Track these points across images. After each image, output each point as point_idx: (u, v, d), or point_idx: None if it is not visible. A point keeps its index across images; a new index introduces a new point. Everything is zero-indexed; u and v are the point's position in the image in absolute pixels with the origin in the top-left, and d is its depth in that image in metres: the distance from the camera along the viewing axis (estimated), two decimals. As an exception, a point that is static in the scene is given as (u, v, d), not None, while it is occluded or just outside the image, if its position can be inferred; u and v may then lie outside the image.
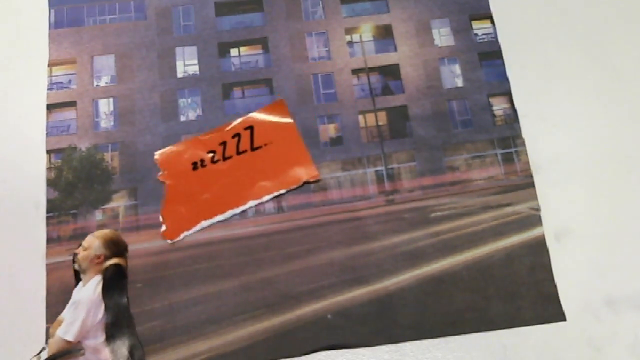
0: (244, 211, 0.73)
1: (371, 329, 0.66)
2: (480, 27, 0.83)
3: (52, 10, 0.83)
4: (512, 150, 0.76)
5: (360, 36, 0.83)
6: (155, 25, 0.84)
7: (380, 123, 0.79)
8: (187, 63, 0.82)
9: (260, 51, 0.83)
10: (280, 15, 0.84)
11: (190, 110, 0.79)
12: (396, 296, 0.68)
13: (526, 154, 0.75)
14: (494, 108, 0.79)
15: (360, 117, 0.79)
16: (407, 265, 0.70)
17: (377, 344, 0.66)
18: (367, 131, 0.79)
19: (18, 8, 0.83)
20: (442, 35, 0.83)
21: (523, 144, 0.76)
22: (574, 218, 0.71)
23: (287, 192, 0.73)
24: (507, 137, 0.77)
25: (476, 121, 0.78)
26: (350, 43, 0.83)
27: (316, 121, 0.79)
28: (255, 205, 0.73)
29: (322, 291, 0.68)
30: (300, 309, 0.67)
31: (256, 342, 0.66)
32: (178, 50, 0.82)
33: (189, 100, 0.80)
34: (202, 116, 0.79)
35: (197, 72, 0.81)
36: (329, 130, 0.79)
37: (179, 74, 0.81)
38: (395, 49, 0.83)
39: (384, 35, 0.84)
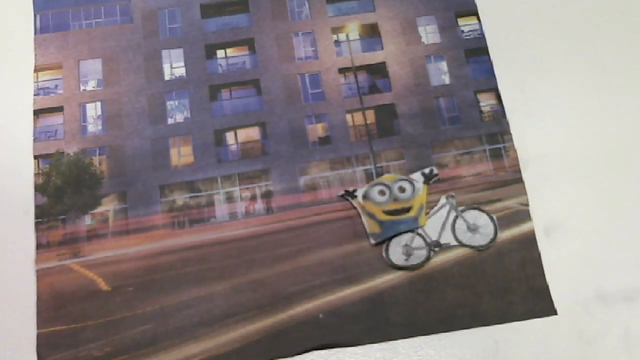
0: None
1: (363, 328, 0.66)
2: (466, 24, 0.83)
3: (38, 15, 0.83)
4: (501, 146, 0.76)
5: (347, 35, 0.83)
6: (141, 29, 0.83)
7: (368, 121, 0.79)
8: (173, 65, 0.82)
9: (247, 52, 0.83)
10: (266, 15, 0.84)
11: (178, 112, 0.79)
12: (387, 294, 0.68)
13: (514, 150, 0.75)
14: (482, 104, 0.79)
15: (348, 116, 0.79)
16: (397, 263, 0.70)
17: (370, 343, 0.66)
18: (356, 130, 0.79)
19: (2, 13, 0.83)
20: (429, 33, 0.83)
21: (511, 139, 0.76)
22: (563, 212, 0.72)
23: None
24: (495, 133, 0.77)
25: (464, 118, 0.78)
26: (337, 42, 0.83)
27: (304, 121, 0.79)
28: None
29: (314, 291, 0.68)
30: (291, 309, 0.67)
31: (248, 343, 0.66)
32: (164, 53, 0.82)
33: (177, 102, 0.80)
34: (190, 118, 0.79)
35: (184, 75, 0.81)
36: (317, 129, 0.79)
37: (166, 77, 0.81)
38: (382, 48, 0.83)
39: (371, 33, 0.83)
